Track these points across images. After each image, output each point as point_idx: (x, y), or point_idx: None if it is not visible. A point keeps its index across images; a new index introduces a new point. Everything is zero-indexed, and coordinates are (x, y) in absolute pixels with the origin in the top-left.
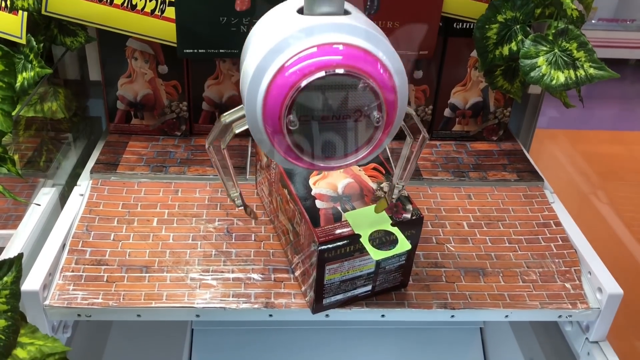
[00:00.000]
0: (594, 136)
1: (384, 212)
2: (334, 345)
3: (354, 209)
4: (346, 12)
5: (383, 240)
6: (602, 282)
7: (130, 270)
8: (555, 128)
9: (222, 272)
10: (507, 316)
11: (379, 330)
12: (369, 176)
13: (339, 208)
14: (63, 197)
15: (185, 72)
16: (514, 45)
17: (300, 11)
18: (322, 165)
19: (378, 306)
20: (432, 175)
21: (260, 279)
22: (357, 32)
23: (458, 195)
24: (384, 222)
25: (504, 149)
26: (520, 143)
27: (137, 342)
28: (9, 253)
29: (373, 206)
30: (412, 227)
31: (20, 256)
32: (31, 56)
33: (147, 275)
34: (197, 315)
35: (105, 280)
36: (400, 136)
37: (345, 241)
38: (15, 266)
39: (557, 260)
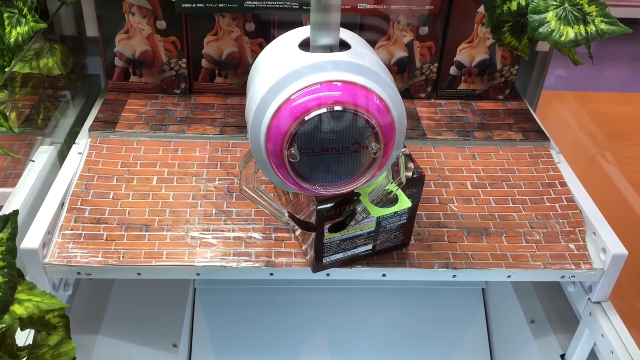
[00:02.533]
0: (602, 97)
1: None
2: (336, 304)
3: None
4: (347, 45)
5: (383, 198)
6: (606, 243)
7: (130, 228)
8: (563, 89)
9: (223, 231)
10: (509, 276)
11: (380, 290)
12: None
13: None
14: (62, 156)
15: (184, 28)
16: (522, 0)
17: (301, 46)
18: (322, 192)
19: (379, 265)
20: (436, 134)
21: (260, 238)
22: (356, 69)
23: (462, 155)
24: (385, 179)
25: (510, 108)
26: (527, 102)
27: (140, 300)
28: (7, 211)
29: None
30: (414, 185)
31: (15, 212)
32: (25, 10)
33: (147, 233)
34: (198, 274)
35: (104, 238)
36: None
37: (344, 200)
38: (11, 222)
39: (561, 221)
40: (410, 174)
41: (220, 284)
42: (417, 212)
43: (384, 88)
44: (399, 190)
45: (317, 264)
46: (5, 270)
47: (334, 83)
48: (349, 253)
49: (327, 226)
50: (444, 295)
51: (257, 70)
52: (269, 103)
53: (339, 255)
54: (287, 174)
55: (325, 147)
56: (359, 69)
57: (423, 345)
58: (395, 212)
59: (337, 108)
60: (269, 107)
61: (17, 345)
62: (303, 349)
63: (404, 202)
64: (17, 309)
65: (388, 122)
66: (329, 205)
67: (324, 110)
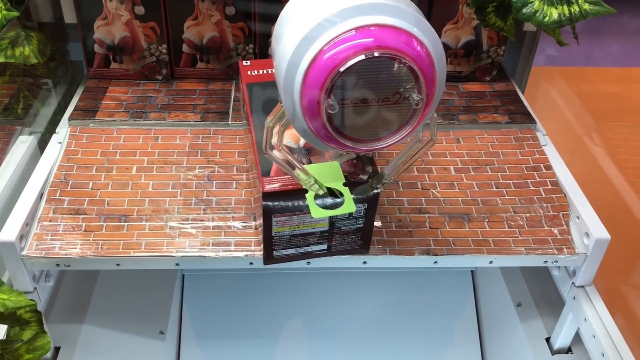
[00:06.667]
0: (592, 74)
1: (340, 171)
2: (327, 288)
3: (310, 163)
4: None
5: (332, 198)
6: (589, 227)
7: (108, 219)
8: (554, 65)
9: (202, 220)
10: (491, 262)
11: (369, 273)
12: None
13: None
14: (44, 145)
15: (163, 13)
16: None
17: None
18: (362, 147)
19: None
20: None
21: (241, 227)
22: (391, 11)
23: (446, 139)
24: (337, 181)
25: (497, 89)
26: (516, 83)
27: (126, 288)
28: None
29: (330, 162)
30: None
31: None
32: None
33: (126, 224)
34: (177, 264)
35: (83, 229)
36: None
37: (291, 194)
38: None
39: (545, 205)
40: (365, 177)
41: (210, 270)
42: (399, 198)
43: (423, 32)
44: (348, 193)
45: (268, 256)
46: None
47: (372, 28)
48: (302, 250)
49: (274, 221)
50: (434, 277)
51: (284, 23)
52: (302, 56)
53: (291, 251)
54: (324, 128)
55: (364, 98)
56: (396, 11)
57: (414, 327)
58: (349, 215)
59: (378, 54)
60: (302, 60)
61: None
62: (293, 333)
63: (349, 207)
64: None
65: (430, 69)
66: (275, 197)
67: (362, 57)
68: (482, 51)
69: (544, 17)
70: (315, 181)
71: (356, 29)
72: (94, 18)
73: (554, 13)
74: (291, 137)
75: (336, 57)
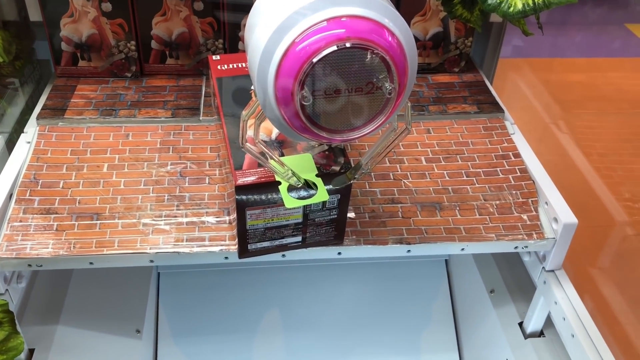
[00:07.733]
0: (558, 64)
1: (313, 162)
2: (303, 280)
3: (282, 156)
4: None
5: (305, 190)
6: (557, 212)
7: (80, 218)
8: (522, 56)
9: (176, 216)
10: (463, 249)
11: (344, 265)
12: None
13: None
14: (12, 145)
15: (131, 10)
16: None
17: None
18: (337, 138)
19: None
20: None
21: (214, 222)
22: (362, 2)
23: (417, 130)
24: (310, 173)
25: (465, 80)
26: (484, 74)
27: (101, 287)
28: None
29: (302, 154)
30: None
31: None
32: None
33: (98, 222)
34: (151, 261)
35: (55, 229)
36: None
37: (264, 187)
38: None
39: (514, 192)
40: (337, 168)
41: (185, 267)
42: (372, 189)
43: (393, 22)
44: (321, 183)
45: (242, 250)
46: None
47: (343, 19)
48: (277, 242)
49: (248, 212)
50: (409, 267)
51: (257, 15)
52: (275, 47)
53: (265, 244)
54: (299, 119)
55: (338, 88)
56: (366, 2)
57: (390, 317)
58: (323, 206)
59: (349, 44)
60: (275, 52)
61: None
62: (270, 327)
63: (322, 196)
64: None
65: (401, 59)
66: (249, 189)
67: (334, 47)
68: (450, 43)
69: (509, 8)
70: (293, 173)
71: (328, 20)
72: (60, 16)
73: (518, 3)
74: (263, 131)
75: (309, 49)
